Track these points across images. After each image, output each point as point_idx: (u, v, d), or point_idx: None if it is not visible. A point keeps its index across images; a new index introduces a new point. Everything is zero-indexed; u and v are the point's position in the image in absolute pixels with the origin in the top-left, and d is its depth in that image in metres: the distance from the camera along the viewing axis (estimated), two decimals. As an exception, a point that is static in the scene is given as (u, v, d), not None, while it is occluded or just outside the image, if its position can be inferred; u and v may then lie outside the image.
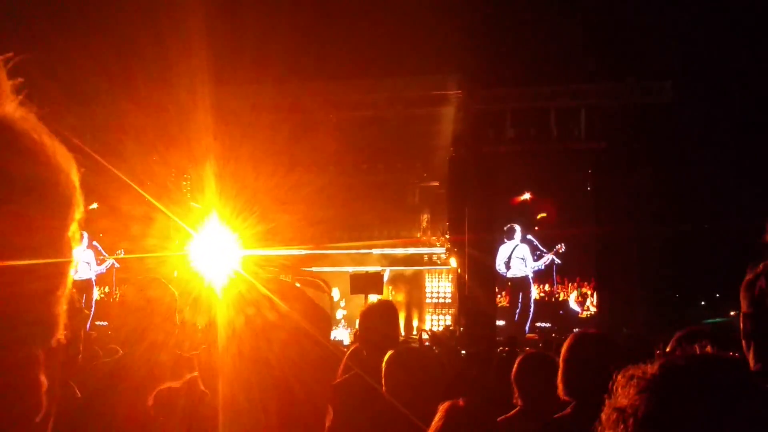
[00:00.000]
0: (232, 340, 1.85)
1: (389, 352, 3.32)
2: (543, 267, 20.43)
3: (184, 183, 20.34)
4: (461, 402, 2.57)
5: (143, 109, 20.36)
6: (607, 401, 1.29)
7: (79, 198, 0.81)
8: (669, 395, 1.20)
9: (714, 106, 19.24)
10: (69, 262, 0.78)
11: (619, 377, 1.29)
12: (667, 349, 3.30)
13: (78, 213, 0.80)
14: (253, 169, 18.88)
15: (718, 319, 18.92)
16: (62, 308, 0.76)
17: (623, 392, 1.27)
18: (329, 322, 1.93)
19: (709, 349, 1.28)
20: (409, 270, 22.67)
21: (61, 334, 0.76)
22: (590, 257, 19.56)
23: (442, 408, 2.59)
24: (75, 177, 0.82)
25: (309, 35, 19.20)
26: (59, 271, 0.76)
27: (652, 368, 1.25)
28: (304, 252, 21.84)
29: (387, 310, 4.01)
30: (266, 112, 20.32)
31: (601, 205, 19.42)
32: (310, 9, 19.53)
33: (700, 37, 18.89)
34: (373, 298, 15.64)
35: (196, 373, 2.28)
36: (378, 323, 3.83)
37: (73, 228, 0.79)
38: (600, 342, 3.30)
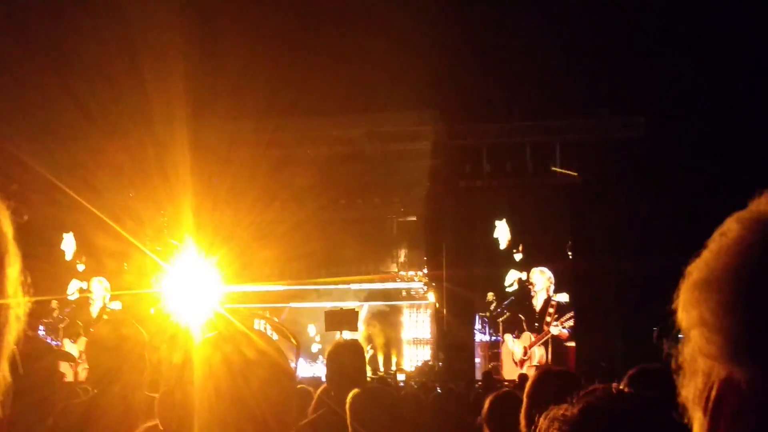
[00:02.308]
0: (208, 379, 1.83)
1: (353, 391, 3.32)
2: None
3: (162, 219, 20.21)
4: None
5: (120, 144, 20.28)
6: None
7: (13, 253, 0.74)
8: None
9: (686, 140, 19.51)
10: (4, 318, 0.72)
11: (541, 420, 1.28)
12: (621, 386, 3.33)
13: (12, 265, 0.73)
14: (231, 204, 18.84)
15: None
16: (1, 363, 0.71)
17: None
18: (294, 373, 1.93)
19: (625, 387, 1.28)
20: (388, 305, 22.60)
21: None
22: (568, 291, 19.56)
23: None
24: (8, 229, 0.74)
25: (287, 72, 19.31)
26: None
27: (572, 410, 1.25)
28: (281, 288, 21.73)
29: (353, 349, 4.00)
30: (244, 147, 20.33)
31: (577, 238, 19.53)
32: (288, 46, 19.67)
33: (671, 72, 19.23)
34: (347, 335, 15.57)
35: (155, 422, 2.25)
36: (345, 363, 3.82)
37: (12, 284, 0.72)
38: (563, 378, 3.35)
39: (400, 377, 18.80)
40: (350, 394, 3.29)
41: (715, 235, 0.75)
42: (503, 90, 20.32)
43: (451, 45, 19.93)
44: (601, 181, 19.36)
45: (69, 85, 17.59)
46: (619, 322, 18.61)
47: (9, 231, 0.73)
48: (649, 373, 3.52)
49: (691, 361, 0.73)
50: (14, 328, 0.73)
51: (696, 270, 0.73)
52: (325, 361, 3.98)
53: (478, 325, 20.18)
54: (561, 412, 1.26)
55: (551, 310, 19.21)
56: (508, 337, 19.29)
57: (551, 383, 3.25)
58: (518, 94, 20.46)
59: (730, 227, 0.73)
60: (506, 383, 14.88)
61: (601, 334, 18.03)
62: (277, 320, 19.17)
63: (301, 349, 22.04)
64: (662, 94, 19.79)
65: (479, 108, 20.60)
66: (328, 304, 20.32)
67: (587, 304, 18.80)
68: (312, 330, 22.17)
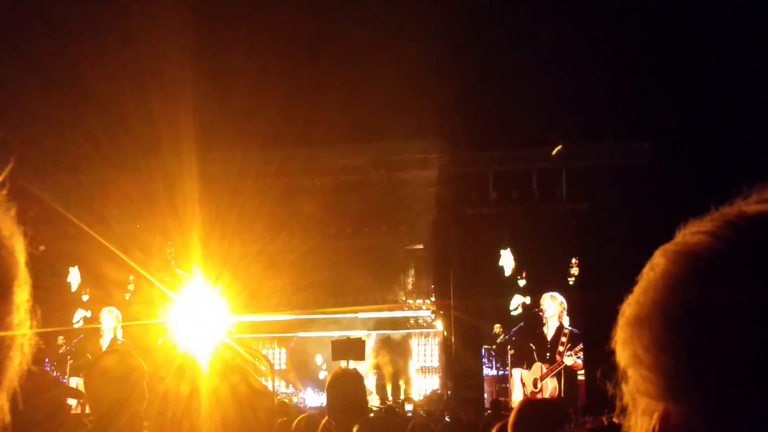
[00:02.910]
0: (216, 409, 1.83)
1: (360, 422, 3.29)
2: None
3: (169, 250, 20.24)
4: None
5: (129, 176, 20.38)
6: None
7: (23, 278, 0.72)
8: None
9: (692, 166, 19.49)
10: (8, 347, 0.69)
11: None
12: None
13: (20, 294, 0.71)
14: (239, 234, 18.87)
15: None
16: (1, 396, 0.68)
17: None
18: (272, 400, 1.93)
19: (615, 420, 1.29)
20: (397, 334, 22.48)
21: None
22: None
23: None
24: (20, 254, 0.72)
25: (293, 103, 19.44)
26: None
27: None
28: (289, 317, 21.66)
29: (352, 378, 3.97)
30: (251, 177, 20.39)
31: (583, 265, 19.42)
32: (294, 77, 19.83)
33: (677, 99, 19.28)
34: (354, 364, 15.47)
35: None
36: (344, 392, 3.78)
37: (19, 311, 0.70)
38: (546, 408, 3.40)
39: (408, 407, 18.64)
40: (357, 425, 3.27)
41: (645, 270, 0.74)
42: (509, 118, 20.39)
43: (456, 74, 20.06)
44: (607, 208, 19.31)
45: (78, 118, 17.76)
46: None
47: (21, 257, 0.71)
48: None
49: (631, 401, 0.72)
50: (17, 360, 0.70)
51: (628, 307, 0.73)
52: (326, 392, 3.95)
53: (484, 359, 19.75)
54: None
55: (564, 339, 18.42)
56: (516, 370, 18.64)
57: (534, 413, 3.25)
58: (524, 122, 20.52)
59: (658, 261, 0.73)
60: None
61: (612, 363, 17.79)
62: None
63: (309, 378, 21.92)
64: (668, 121, 19.82)
65: (485, 136, 20.68)
66: (336, 333, 20.22)
67: (594, 333, 18.62)
68: (319, 359, 22.06)
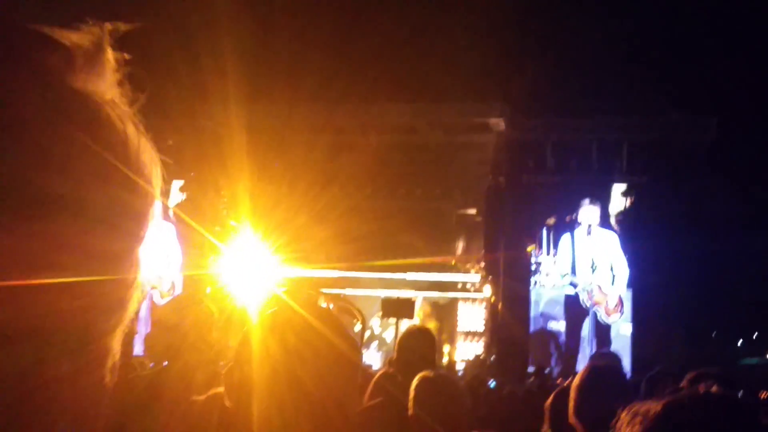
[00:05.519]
0: (265, 359, 1.79)
1: (418, 376, 3.30)
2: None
3: (221, 200, 20.43)
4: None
5: (178, 126, 20.53)
6: None
7: (153, 211, 0.68)
8: None
9: (759, 145, 18.96)
10: (132, 284, 0.64)
11: (623, 414, 1.28)
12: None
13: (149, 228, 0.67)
14: (288, 186, 18.95)
15: (755, 359, 18.47)
16: (116, 337, 0.63)
17: (627, 430, 1.25)
18: (359, 351, 1.90)
19: (714, 388, 1.29)
20: (442, 297, 22.48)
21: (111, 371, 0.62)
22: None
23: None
24: (157, 185, 0.69)
25: (346, 56, 19.29)
26: (118, 294, 0.62)
27: (655, 406, 1.24)
28: (335, 274, 21.77)
29: (425, 335, 4.03)
30: (301, 131, 20.41)
31: (640, 240, 19.07)
32: (350, 31, 19.64)
33: (746, 73, 18.68)
34: (405, 322, 15.49)
35: (221, 389, 2.23)
36: (416, 348, 3.84)
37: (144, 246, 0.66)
38: (611, 373, 3.40)
39: (460, 366, 18.75)
40: (416, 378, 3.27)
41: None
42: (571, 85, 20.00)
43: (519, 37, 19.70)
44: (669, 182, 18.93)
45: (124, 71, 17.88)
46: (679, 325, 18.20)
47: (158, 190, 0.70)
48: (709, 376, 3.44)
49: None
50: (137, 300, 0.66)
51: None
52: (395, 346, 4.00)
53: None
54: (644, 407, 1.27)
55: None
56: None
57: (600, 378, 3.23)
58: (587, 91, 20.12)
59: None
60: (558, 381, 14.53)
61: (660, 336, 17.64)
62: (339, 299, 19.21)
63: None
64: (737, 97, 19.24)
65: (546, 103, 20.31)
66: (381, 293, 20.30)
67: (647, 306, 18.39)
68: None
